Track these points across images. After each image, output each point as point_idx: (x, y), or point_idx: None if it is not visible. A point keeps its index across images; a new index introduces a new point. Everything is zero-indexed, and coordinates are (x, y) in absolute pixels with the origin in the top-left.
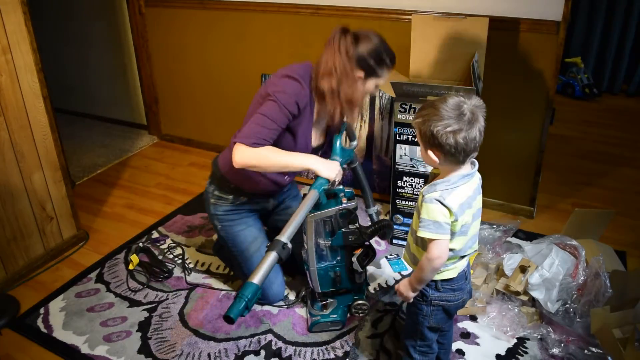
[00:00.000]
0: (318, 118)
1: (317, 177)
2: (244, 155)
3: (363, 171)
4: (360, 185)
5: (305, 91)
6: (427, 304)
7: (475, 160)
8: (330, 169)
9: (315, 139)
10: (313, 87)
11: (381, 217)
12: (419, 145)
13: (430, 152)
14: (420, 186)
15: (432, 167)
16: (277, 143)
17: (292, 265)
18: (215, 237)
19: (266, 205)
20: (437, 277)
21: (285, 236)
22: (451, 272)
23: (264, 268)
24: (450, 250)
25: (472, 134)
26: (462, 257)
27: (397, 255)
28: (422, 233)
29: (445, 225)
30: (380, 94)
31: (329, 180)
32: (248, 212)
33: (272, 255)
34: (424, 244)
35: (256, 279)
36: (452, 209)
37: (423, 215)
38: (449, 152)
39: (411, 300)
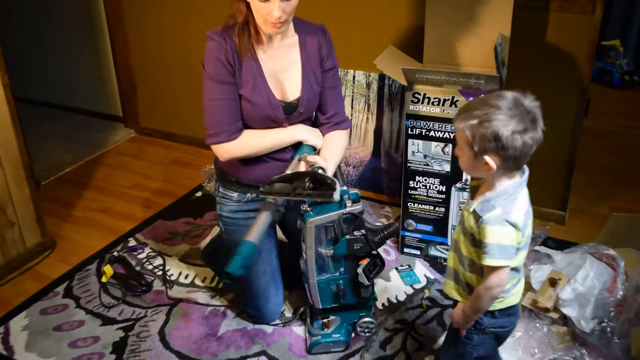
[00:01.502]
0: (274, 65)
1: (300, 145)
2: (228, 153)
3: None
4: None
5: (224, 44)
6: (479, 332)
7: (525, 166)
8: (317, 137)
9: (282, 91)
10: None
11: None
12: (434, 141)
13: (487, 158)
14: (436, 187)
15: (471, 178)
16: (242, 114)
17: (289, 277)
18: (202, 244)
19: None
20: (499, 305)
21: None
22: (514, 298)
23: (259, 227)
24: (513, 269)
25: (538, 135)
26: (521, 277)
27: (409, 266)
28: (488, 261)
29: (510, 248)
30: (390, 82)
31: (315, 149)
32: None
33: (266, 216)
34: (480, 268)
35: (252, 237)
36: (519, 224)
37: (487, 240)
38: (511, 157)
39: (465, 332)
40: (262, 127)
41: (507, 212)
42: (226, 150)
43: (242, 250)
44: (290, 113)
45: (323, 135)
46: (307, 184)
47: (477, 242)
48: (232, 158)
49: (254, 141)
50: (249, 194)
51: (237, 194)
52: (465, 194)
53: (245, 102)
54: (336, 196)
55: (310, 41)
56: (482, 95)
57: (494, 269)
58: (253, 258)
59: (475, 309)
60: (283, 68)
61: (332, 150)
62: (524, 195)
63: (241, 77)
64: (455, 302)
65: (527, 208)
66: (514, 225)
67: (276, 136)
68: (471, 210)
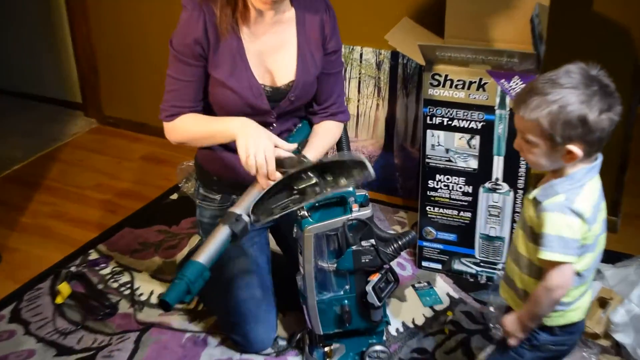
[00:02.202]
0: (261, 45)
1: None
2: (169, 134)
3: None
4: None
5: (198, 17)
6: (533, 349)
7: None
8: (256, 136)
9: (270, 75)
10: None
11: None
12: (458, 132)
13: (572, 147)
14: (460, 188)
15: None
16: (217, 102)
17: (283, 296)
18: (179, 256)
19: None
20: (559, 320)
21: (240, 207)
22: (576, 313)
23: (212, 245)
24: (576, 274)
25: (620, 108)
26: (587, 289)
27: (428, 283)
28: (545, 254)
29: (572, 242)
30: (404, 61)
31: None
32: None
33: (223, 230)
34: (539, 270)
35: (201, 257)
36: (585, 214)
37: (546, 230)
38: (596, 140)
39: (516, 343)
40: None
41: (572, 199)
42: (166, 131)
43: (186, 273)
44: (278, 100)
45: (312, 125)
46: (316, 178)
47: (536, 238)
48: (176, 142)
49: (190, 127)
50: (234, 196)
51: (220, 195)
52: (496, 195)
53: (222, 87)
54: (371, 169)
55: (311, 18)
56: (521, 75)
57: (555, 265)
58: (200, 284)
59: (532, 315)
60: (274, 48)
61: (317, 141)
62: (593, 185)
63: (217, 57)
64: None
65: (596, 201)
66: (579, 215)
67: (211, 125)
68: (531, 197)
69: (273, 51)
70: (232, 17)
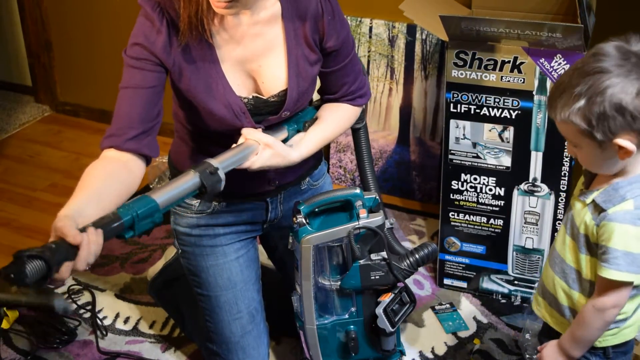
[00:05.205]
0: (240, 51)
1: (289, 120)
2: None
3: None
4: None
5: (157, 22)
6: None
7: None
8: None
9: (255, 85)
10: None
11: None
12: (487, 122)
13: (620, 141)
14: (490, 190)
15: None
16: (194, 124)
17: (277, 320)
18: (151, 272)
19: (259, 214)
20: (612, 340)
21: (219, 161)
22: (632, 330)
23: (174, 188)
24: (634, 287)
25: None
26: None
27: (451, 304)
28: (610, 273)
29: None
30: (424, 36)
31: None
32: (231, 232)
33: (192, 177)
34: (591, 286)
35: (157, 196)
36: None
37: (612, 244)
38: None
39: None
40: (227, 141)
41: None
42: None
43: (135, 206)
44: (265, 114)
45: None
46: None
47: (591, 247)
48: None
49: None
50: (214, 203)
51: (198, 201)
52: (533, 199)
53: (195, 107)
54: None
55: (301, 10)
56: (567, 64)
57: (615, 284)
58: (147, 226)
59: (579, 340)
60: (257, 54)
61: (327, 114)
62: None
63: (182, 70)
64: (546, 331)
65: None
66: None
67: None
68: (589, 201)
69: (256, 57)
70: (196, 18)
